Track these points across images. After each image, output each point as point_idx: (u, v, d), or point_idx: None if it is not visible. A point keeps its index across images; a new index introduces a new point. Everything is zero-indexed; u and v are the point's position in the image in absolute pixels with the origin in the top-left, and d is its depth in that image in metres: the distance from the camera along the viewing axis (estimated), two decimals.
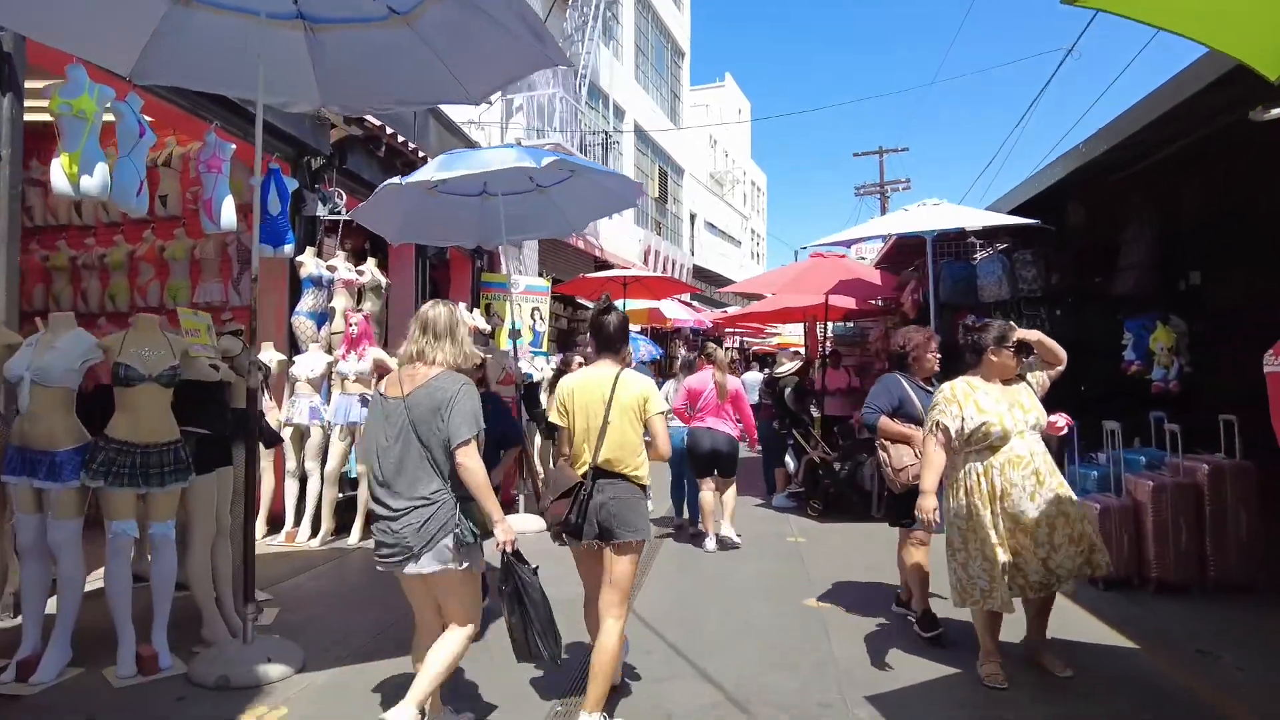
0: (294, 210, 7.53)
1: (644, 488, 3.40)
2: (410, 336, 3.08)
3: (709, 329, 18.91)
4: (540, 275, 13.37)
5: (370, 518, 3.25)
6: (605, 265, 15.94)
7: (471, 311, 11.06)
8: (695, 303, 19.71)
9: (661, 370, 15.18)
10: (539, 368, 9.96)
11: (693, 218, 29.41)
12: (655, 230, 22.53)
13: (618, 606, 3.32)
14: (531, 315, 12.65)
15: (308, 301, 7.24)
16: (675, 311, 14.72)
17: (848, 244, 8.07)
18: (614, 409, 3.32)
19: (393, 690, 3.64)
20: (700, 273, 27.14)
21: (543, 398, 9.87)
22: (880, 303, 11.87)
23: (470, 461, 2.89)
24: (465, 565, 2.98)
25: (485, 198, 7.08)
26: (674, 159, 24.75)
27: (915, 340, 4.78)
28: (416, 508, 2.91)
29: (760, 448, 9.65)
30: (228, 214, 6.05)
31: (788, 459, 8.38)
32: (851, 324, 14.39)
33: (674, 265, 23.31)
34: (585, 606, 3.59)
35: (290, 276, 7.42)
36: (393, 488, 2.96)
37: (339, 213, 7.66)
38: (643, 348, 10.91)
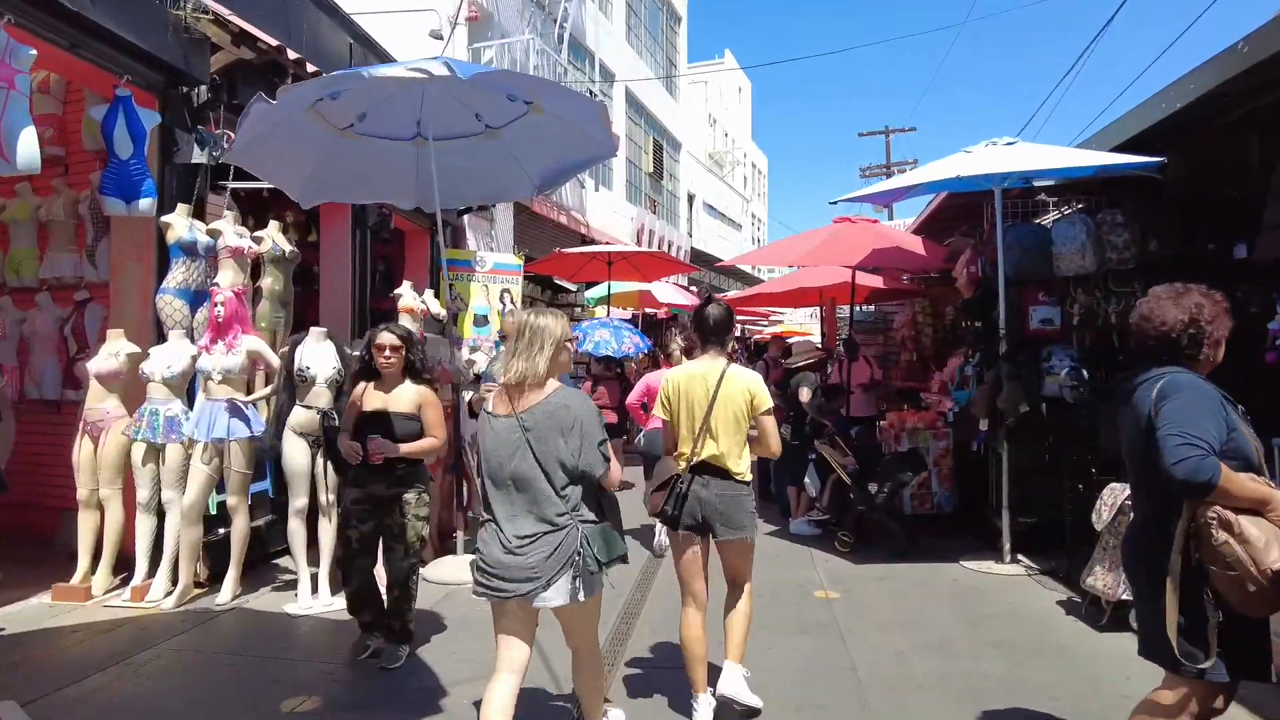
0: (163, 155, 5.74)
1: (746, 484, 3.39)
2: (510, 347, 2.88)
3: None
4: (514, 252, 11.54)
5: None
6: (592, 244, 14.13)
7: (422, 293, 9.26)
8: (694, 287, 17.88)
9: (658, 364, 13.37)
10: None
11: (691, 198, 27.60)
12: (649, 208, 20.69)
13: (739, 586, 3.46)
14: (501, 298, 10.85)
15: (177, 275, 5.45)
16: (670, 295, 12.91)
17: (885, 201, 6.24)
18: (718, 404, 3.32)
19: None
20: (699, 256, 25.34)
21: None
22: (909, 279, 10.09)
23: (616, 482, 2.81)
24: (592, 594, 2.78)
25: (420, 144, 5.35)
26: (670, 132, 22.87)
27: (1210, 311, 2.53)
28: (545, 534, 2.70)
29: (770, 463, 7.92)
30: (27, 149, 4.26)
31: (806, 479, 6.59)
32: (871, 308, 12.61)
33: (670, 247, 21.48)
34: (683, 596, 3.49)
35: (160, 244, 5.62)
36: (513, 513, 2.74)
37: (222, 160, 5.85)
38: (627, 339, 9.08)
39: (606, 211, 16.90)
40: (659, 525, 5.70)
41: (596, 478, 2.73)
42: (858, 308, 12.52)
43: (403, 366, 4.13)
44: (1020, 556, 5.89)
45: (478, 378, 7.69)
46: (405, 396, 4.09)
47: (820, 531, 6.78)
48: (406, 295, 8.33)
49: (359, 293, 8.71)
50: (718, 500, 3.29)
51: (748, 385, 3.36)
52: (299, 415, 4.93)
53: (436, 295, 10.74)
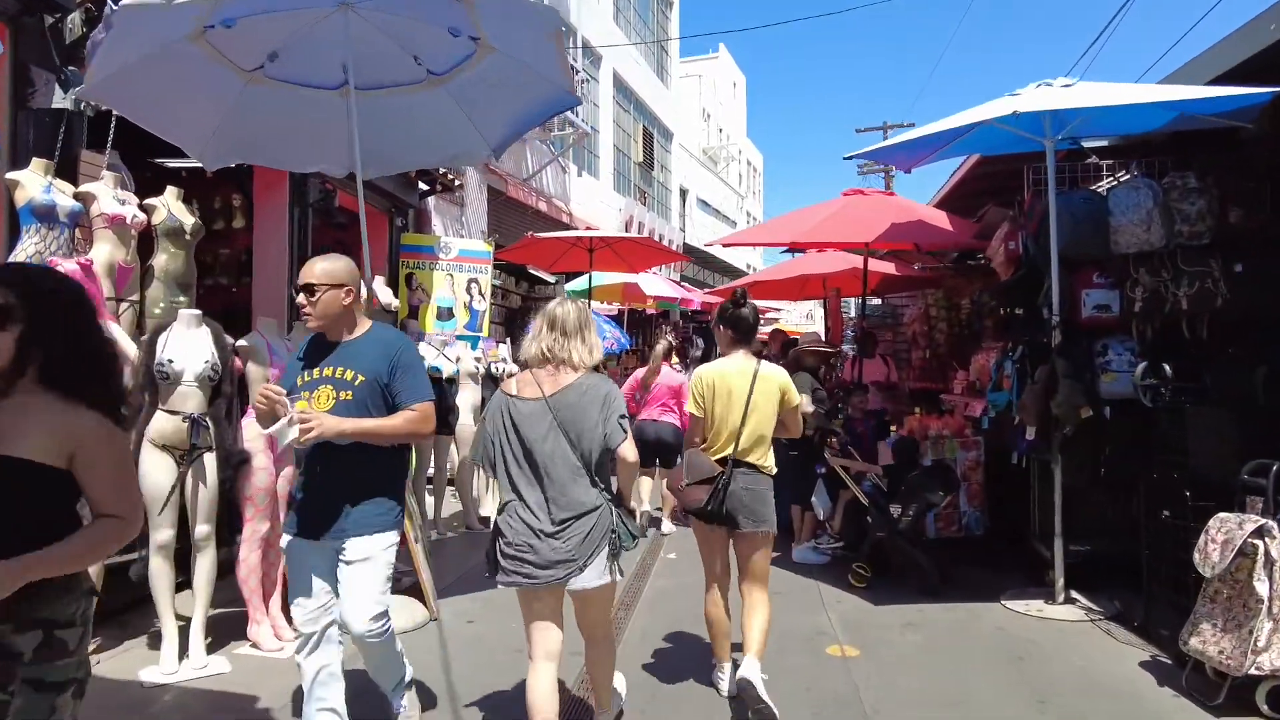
0: (14, 99, 4.64)
1: (772, 476, 3.55)
2: (536, 334, 2.90)
3: (703, 312, 16.06)
4: (483, 238, 10.43)
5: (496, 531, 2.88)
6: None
7: (373, 280, 8.15)
8: (684, 283, 16.79)
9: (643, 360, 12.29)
10: (460, 358, 7.03)
11: (684, 193, 26.56)
12: (639, 199, 19.61)
13: (761, 589, 3.52)
14: (468, 289, 9.76)
15: (28, 245, 4.32)
16: (658, 288, 11.81)
17: (910, 159, 5.15)
18: (755, 400, 3.47)
19: None
20: (691, 253, 24.31)
21: (468, 399, 6.95)
22: (925, 267, 9.02)
23: (631, 455, 2.84)
24: (620, 575, 2.86)
25: (347, 94, 4.36)
26: (661, 120, 21.80)
27: None
28: (580, 515, 2.73)
29: None
30: None
31: (814, 498, 5.48)
32: (877, 301, 11.54)
33: (662, 241, 20.43)
34: (707, 590, 3.60)
35: (10, 208, 4.51)
36: (544, 496, 2.74)
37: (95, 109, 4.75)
38: (608, 333, 7.95)
39: (593, 200, 15.81)
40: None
41: (613, 447, 2.77)
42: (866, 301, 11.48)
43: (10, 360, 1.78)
44: (1075, 594, 4.80)
45: (450, 380, 6.59)
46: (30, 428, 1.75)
47: (828, 559, 5.68)
48: (102, 196, 7.17)
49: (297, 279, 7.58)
50: (744, 493, 3.42)
51: (779, 383, 3.57)
52: (160, 423, 3.82)
53: (412, 285, 9.66)
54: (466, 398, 6.95)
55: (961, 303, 10.21)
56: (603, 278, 11.67)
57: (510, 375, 7.64)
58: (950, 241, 6.92)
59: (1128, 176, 5.46)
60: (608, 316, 13.72)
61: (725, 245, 7.06)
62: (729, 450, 3.43)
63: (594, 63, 16.69)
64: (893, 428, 7.17)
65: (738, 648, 3.51)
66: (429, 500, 6.98)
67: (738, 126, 41.23)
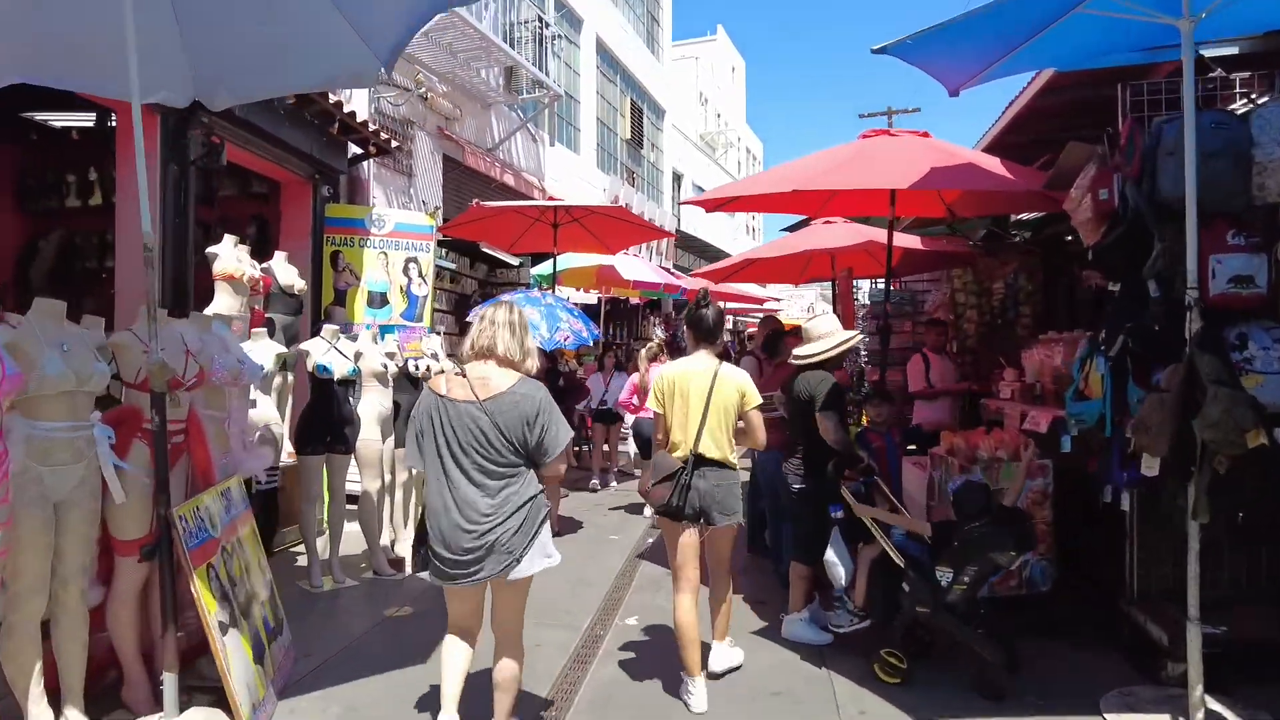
0: None
1: (736, 470, 3.66)
2: (471, 332, 2.99)
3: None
4: (424, 210, 8.82)
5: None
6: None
7: (268, 257, 6.57)
8: (674, 270, 15.17)
9: (620, 364, 10.71)
10: (363, 354, 5.44)
11: (679, 178, 24.95)
12: (628, 180, 17.98)
13: (724, 574, 3.74)
14: (406, 270, 8.17)
15: None
16: (639, 271, 10.21)
17: (956, 64, 3.53)
18: (713, 401, 3.55)
19: None
20: (686, 240, 22.73)
21: (372, 408, 5.39)
22: (954, 234, 7.43)
23: (557, 471, 3.45)
24: (559, 559, 3.00)
25: None
26: (651, 95, 20.16)
27: None
28: (514, 511, 2.83)
29: (766, 504, 5.34)
30: None
31: (830, 553, 3.84)
32: (899, 282, 9.94)
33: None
34: (675, 582, 3.65)
35: None
36: (475, 496, 2.83)
37: None
38: (563, 324, 6.33)
39: (572, 177, 14.20)
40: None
41: (547, 460, 2.90)
42: (876, 285, 9.85)
43: None
44: (1212, 703, 3.23)
45: (345, 382, 5.04)
46: None
47: (831, 639, 4.10)
48: (224, 256, 5.62)
49: (172, 257, 5.99)
50: (715, 489, 3.54)
51: (738, 384, 3.66)
52: None
53: (338, 265, 8.06)
54: (371, 405, 5.37)
55: (994, 286, 8.66)
56: (573, 260, 10.11)
57: (432, 373, 6.05)
58: (1005, 197, 5.32)
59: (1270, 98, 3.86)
60: (581, 307, 12.13)
61: (710, 209, 5.48)
62: (690, 448, 3.54)
63: (574, 26, 15.07)
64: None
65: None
66: (321, 540, 5.41)
67: (737, 112, 39.72)
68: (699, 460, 3.50)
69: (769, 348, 5.43)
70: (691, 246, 23.92)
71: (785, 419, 5.00)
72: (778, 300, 16.48)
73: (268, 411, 5.11)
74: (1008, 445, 4.60)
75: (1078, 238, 7.81)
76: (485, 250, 9.47)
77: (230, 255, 5.59)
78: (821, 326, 4.31)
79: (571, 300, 7.42)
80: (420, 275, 8.12)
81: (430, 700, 3.40)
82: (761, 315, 18.47)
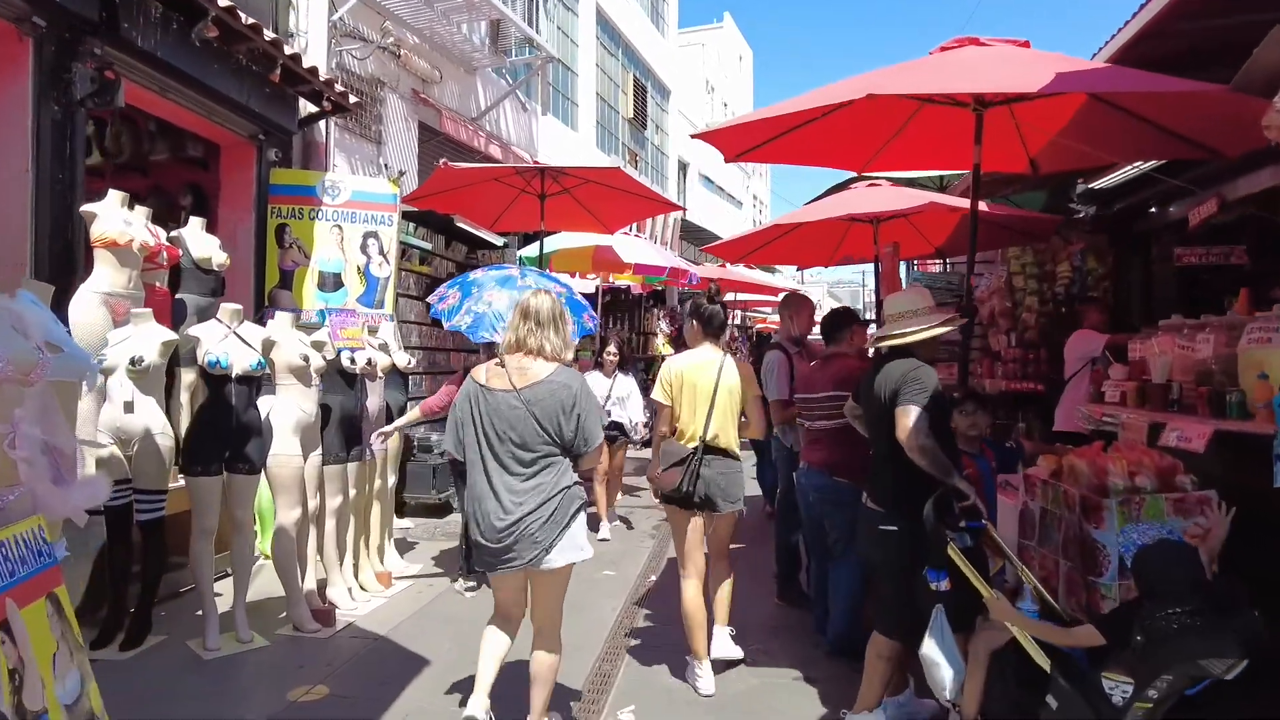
0: None
1: (739, 459, 3.77)
2: (510, 323, 3.05)
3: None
4: (386, 175, 7.55)
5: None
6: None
7: (182, 220, 5.29)
8: (678, 258, 13.88)
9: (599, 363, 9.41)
10: (279, 343, 4.17)
11: (684, 167, 23.70)
12: (630, 161, 16.71)
13: (723, 560, 3.86)
14: (364, 247, 6.91)
15: None
16: (640, 252, 8.92)
17: None
18: (720, 391, 3.67)
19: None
20: (692, 230, 21.49)
21: (289, 413, 4.14)
22: (1010, 201, 6.17)
23: (596, 463, 3.29)
24: (590, 553, 3.02)
25: None
26: (656, 74, 18.89)
27: None
28: (545, 501, 2.86)
29: (807, 537, 4.15)
30: None
31: (930, 644, 2.52)
32: (934, 266, 8.72)
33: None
34: (683, 568, 3.75)
35: None
36: (510, 484, 2.87)
37: None
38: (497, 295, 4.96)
39: (568, 154, 12.90)
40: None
41: (583, 452, 2.93)
42: (913, 266, 8.63)
43: None
44: None
45: (247, 379, 3.77)
46: None
47: None
48: (105, 216, 4.35)
49: (52, 219, 4.72)
50: (720, 478, 3.65)
51: (741, 376, 3.80)
52: None
53: (285, 241, 6.79)
54: (288, 410, 4.11)
55: (1057, 269, 7.38)
56: (565, 240, 8.84)
57: (375, 368, 4.79)
58: (1122, 140, 4.00)
59: None
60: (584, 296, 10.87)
61: (730, 154, 4.20)
62: (699, 437, 3.64)
63: None
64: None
65: None
66: (216, 590, 4.15)
67: (744, 102, 38.53)
68: (707, 448, 3.62)
69: (826, 333, 4.16)
70: (698, 238, 22.66)
71: (835, 430, 3.74)
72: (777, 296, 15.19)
73: (133, 419, 3.82)
74: (1151, 469, 3.32)
75: (1162, 208, 6.61)
76: (464, 228, 8.19)
77: (113, 216, 4.32)
78: (907, 302, 3.07)
79: (568, 284, 6.10)
80: (381, 253, 6.87)
81: None
82: (783, 297, 17.24)
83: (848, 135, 4.50)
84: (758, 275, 14.01)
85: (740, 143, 4.21)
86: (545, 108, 12.32)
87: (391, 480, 5.28)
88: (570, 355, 3.02)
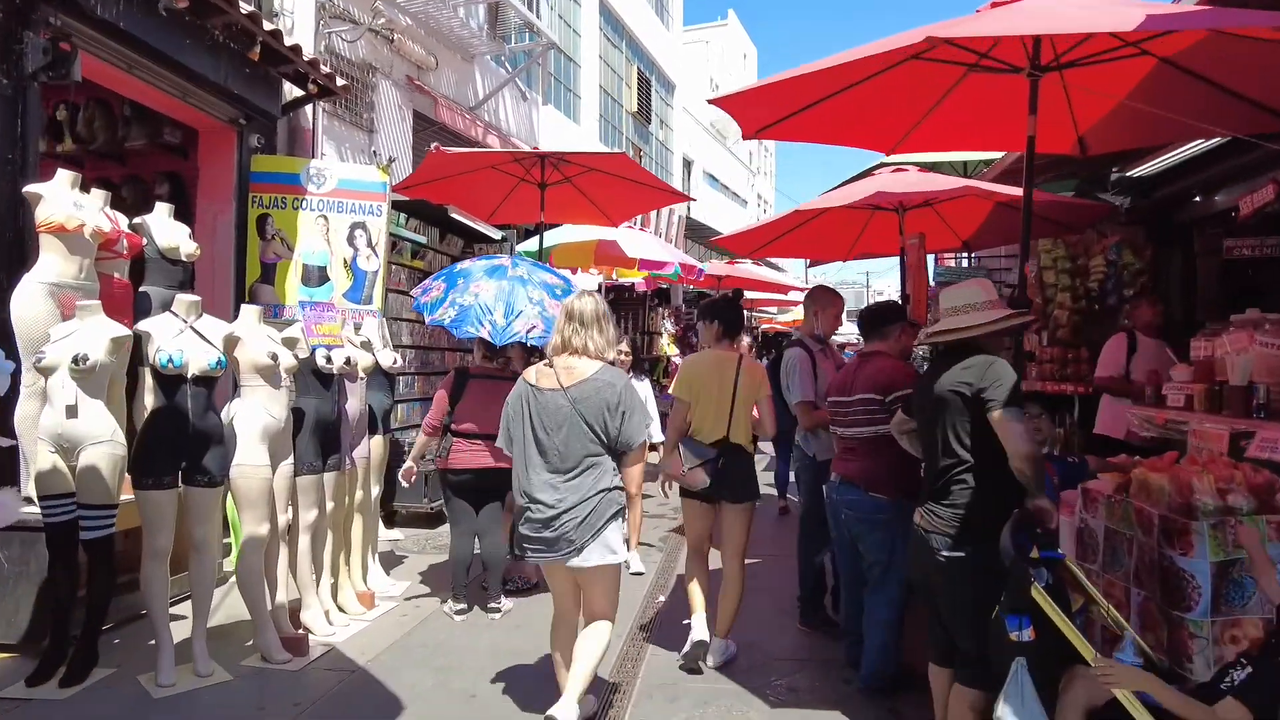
0: None
1: (752, 455, 3.91)
2: (556, 326, 3.12)
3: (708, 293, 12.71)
4: (376, 163, 7.10)
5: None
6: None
7: (143, 208, 4.85)
8: (684, 256, 13.41)
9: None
10: (244, 340, 3.72)
11: (689, 164, 23.27)
12: (634, 157, 16.23)
13: (738, 556, 3.87)
14: (351, 238, 6.47)
15: None
16: (645, 247, 8.47)
17: None
18: (740, 390, 3.77)
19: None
20: (696, 228, 21.07)
21: (254, 419, 3.70)
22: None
23: (640, 464, 3.07)
24: (623, 558, 3.05)
25: None
26: (661, 68, 18.44)
27: None
28: (583, 500, 2.91)
29: (838, 559, 3.72)
30: None
31: (1005, 709, 2.06)
32: (958, 259, 8.29)
33: (662, 210, 17.12)
34: (690, 558, 4.00)
35: None
36: (552, 481, 2.94)
37: None
38: (526, 311, 4.39)
39: (569, 149, 12.46)
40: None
41: (627, 450, 2.99)
42: (935, 261, 8.19)
43: None
44: None
45: (203, 380, 3.30)
46: None
47: None
48: (51, 198, 3.90)
49: (4, 202, 4.28)
50: (736, 472, 3.75)
51: (756, 375, 3.91)
52: None
53: (267, 233, 6.35)
54: (253, 415, 3.66)
55: (1090, 263, 6.92)
56: (566, 234, 8.39)
57: (356, 368, 4.35)
58: (1203, 110, 3.54)
59: None
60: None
61: (750, 129, 3.77)
62: (721, 434, 3.72)
63: None
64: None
65: None
66: (179, 613, 3.70)
67: None
68: (726, 444, 3.69)
69: (866, 328, 3.70)
70: (703, 237, 22.24)
71: (872, 439, 3.30)
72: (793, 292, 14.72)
73: (76, 425, 3.36)
74: (1243, 486, 2.86)
75: (1208, 196, 6.15)
76: (460, 220, 7.74)
77: (61, 198, 3.88)
78: (969, 294, 2.63)
79: (565, 275, 5.55)
80: (370, 245, 6.42)
81: None
82: (777, 310, 16.74)
83: (879, 110, 4.06)
84: (766, 273, 13.57)
85: (763, 114, 3.76)
86: (546, 97, 11.87)
87: (376, 491, 4.83)
88: (613, 354, 3.11)
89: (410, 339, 7.30)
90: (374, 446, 4.73)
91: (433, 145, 6.05)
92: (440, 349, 7.78)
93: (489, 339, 4.16)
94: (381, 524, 6.32)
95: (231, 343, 3.60)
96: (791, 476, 5.81)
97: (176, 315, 3.45)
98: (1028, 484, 2.31)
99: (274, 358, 3.67)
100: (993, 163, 6.84)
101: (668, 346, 13.44)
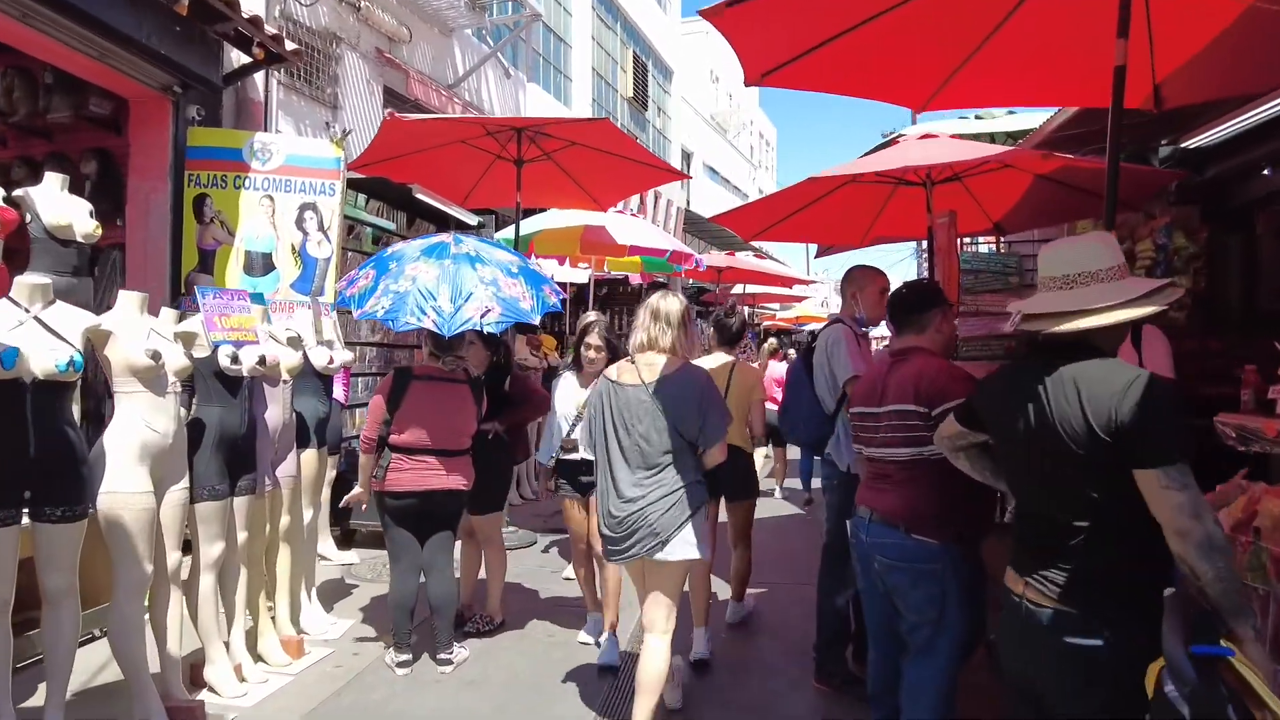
0: None
1: (750, 454, 4.31)
2: (640, 324, 3.13)
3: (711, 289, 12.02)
4: (329, 136, 6.33)
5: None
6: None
7: (85, 191, 4.10)
8: (682, 244, 12.62)
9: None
10: (170, 338, 2.97)
11: (688, 156, 22.54)
12: None
13: (743, 540, 4.31)
14: (300, 222, 5.72)
15: None
16: (638, 233, 7.67)
17: None
18: (732, 393, 3.94)
19: None
20: (695, 222, 20.33)
21: (274, 414, 2.93)
22: None
23: (721, 458, 3.02)
24: (699, 555, 3.01)
25: None
26: (658, 53, 17.67)
27: None
28: (668, 494, 2.92)
29: (872, 614, 2.92)
30: None
31: None
32: (987, 244, 7.54)
33: (659, 201, 16.39)
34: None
35: None
36: (634, 478, 2.96)
37: None
38: (478, 288, 3.52)
39: None
40: None
41: (707, 446, 2.97)
42: (979, 243, 7.49)
43: None
44: None
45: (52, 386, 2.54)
46: None
47: None
48: None
49: None
50: (736, 470, 3.92)
51: (753, 379, 4.31)
52: None
53: (205, 215, 5.59)
54: (129, 428, 2.90)
55: (1137, 248, 6.15)
56: (549, 220, 7.63)
57: (280, 369, 3.60)
58: None
59: None
60: (575, 288, 9.64)
61: (752, 75, 2.99)
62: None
63: None
64: None
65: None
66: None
67: (749, 93, 37.49)
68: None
69: (899, 317, 2.86)
70: (702, 231, 21.48)
71: (912, 463, 2.55)
72: (808, 287, 13.96)
73: None
74: None
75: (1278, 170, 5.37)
76: (430, 203, 6.97)
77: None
78: (1089, 256, 1.87)
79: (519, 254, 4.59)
80: (321, 229, 5.67)
81: None
82: (780, 307, 15.94)
83: (912, 51, 3.30)
84: (769, 265, 12.82)
85: (774, 47, 2.99)
86: (531, 75, 11.09)
87: (309, 514, 4.08)
88: (696, 355, 3.16)
89: (372, 334, 6.54)
90: (305, 462, 3.97)
91: (387, 111, 5.28)
92: (408, 346, 7.02)
93: (435, 330, 3.39)
94: (334, 546, 5.58)
95: (99, 338, 2.85)
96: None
97: (17, 304, 2.69)
98: (1209, 584, 1.54)
99: (155, 357, 2.91)
100: (1028, 134, 6.07)
101: None
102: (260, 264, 5.60)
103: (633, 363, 3.05)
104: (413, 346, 7.09)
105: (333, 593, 4.79)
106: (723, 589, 4.53)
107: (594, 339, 3.73)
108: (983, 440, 2.13)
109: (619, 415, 2.98)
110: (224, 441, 3.26)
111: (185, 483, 3.09)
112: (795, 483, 7.98)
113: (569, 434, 3.81)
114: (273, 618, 3.76)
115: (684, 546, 2.90)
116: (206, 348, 3.23)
